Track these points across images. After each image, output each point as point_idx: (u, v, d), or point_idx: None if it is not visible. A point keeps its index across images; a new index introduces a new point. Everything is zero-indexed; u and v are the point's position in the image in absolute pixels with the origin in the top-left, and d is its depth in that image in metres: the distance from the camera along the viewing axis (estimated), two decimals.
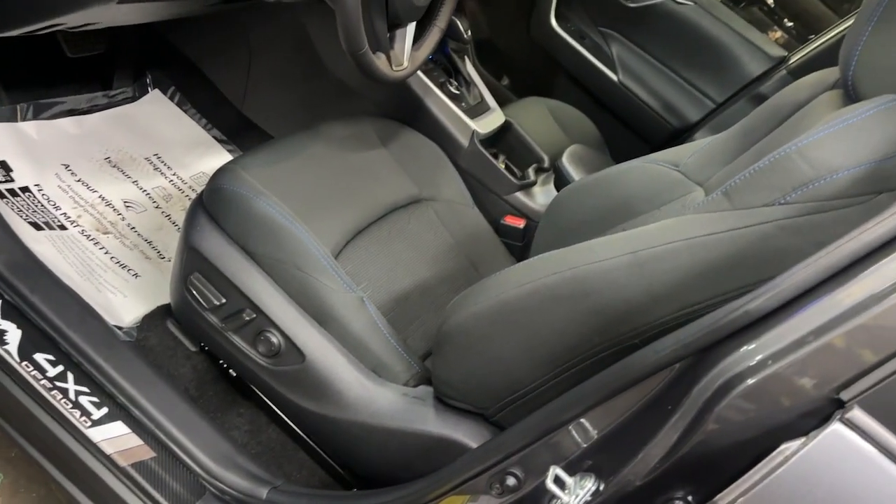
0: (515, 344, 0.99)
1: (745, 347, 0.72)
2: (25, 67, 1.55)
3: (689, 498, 0.72)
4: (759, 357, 0.70)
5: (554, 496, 0.84)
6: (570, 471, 0.85)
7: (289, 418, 1.27)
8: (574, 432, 0.88)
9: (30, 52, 1.53)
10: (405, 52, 1.29)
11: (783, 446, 0.65)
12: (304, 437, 1.29)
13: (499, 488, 0.93)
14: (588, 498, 0.80)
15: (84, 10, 0.99)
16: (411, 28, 1.31)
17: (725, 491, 0.65)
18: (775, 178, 0.83)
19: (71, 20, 1.06)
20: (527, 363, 0.98)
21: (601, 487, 0.78)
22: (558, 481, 0.82)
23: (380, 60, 1.20)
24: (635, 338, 0.90)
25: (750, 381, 0.70)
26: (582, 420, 0.88)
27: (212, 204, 1.17)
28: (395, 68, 1.25)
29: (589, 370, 0.92)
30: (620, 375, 0.83)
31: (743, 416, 0.70)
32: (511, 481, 0.91)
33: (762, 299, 0.72)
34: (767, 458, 0.64)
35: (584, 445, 0.86)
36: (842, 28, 2.07)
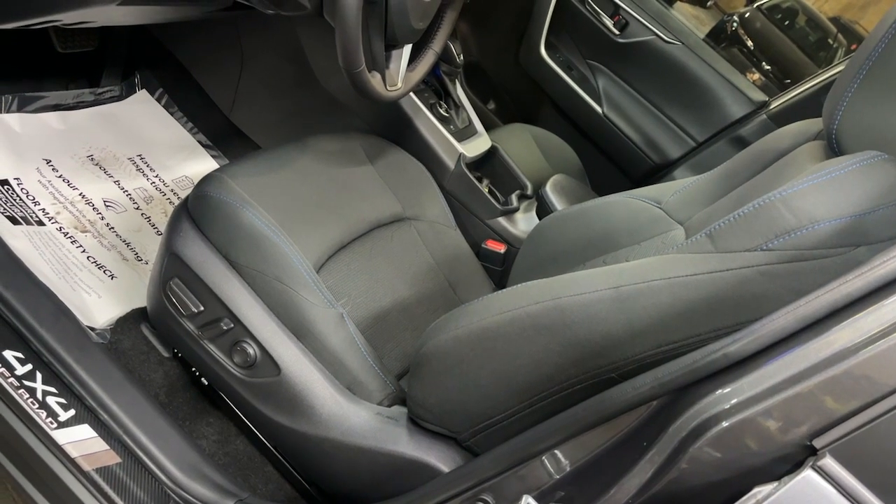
0: (493, 370, 0.99)
1: (721, 390, 0.73)
2: (13, 59, 1.54)
3: None
4: (734, 400, 0.72)
5: None
6: (542, 501, 0.85)
7: (259, 431, 1.26)
8: (547, 462, 0.89)
9: (19, 45, 1.51)
10: (400, 73, 1.30)
11: (756, 490, 0.66)
12: (273, 450, 1.27)
13: None
14: None
15: (84, 8, 0.99)
16: (407, 49, 1.32)
17: None
18: (759, 224, 0.85)
19: (68, 17, 1.06)
20: (503, 390, 0.99)
21: None
22: None
23: (375, 80, 1.21)
24: (613, 371, 0.92)
25: (725, 424, 0.71)
26: (556, 451, 0.89)
27: (197, 210, 1.17)
28: (389, 88, 1.26)
29: (565, 401, 0.93)
30: (597, 409, 0.84)
31: (717, 457, 0.71)
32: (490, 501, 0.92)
33: (741, 343, 0.73)
34: (740, 502, 0.66)
35: (557, 476, 0.87)
36: (820, 79, 2.13)
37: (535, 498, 0.85)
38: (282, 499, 1.27)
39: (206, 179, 1.19)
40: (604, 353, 0.91)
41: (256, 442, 1.29)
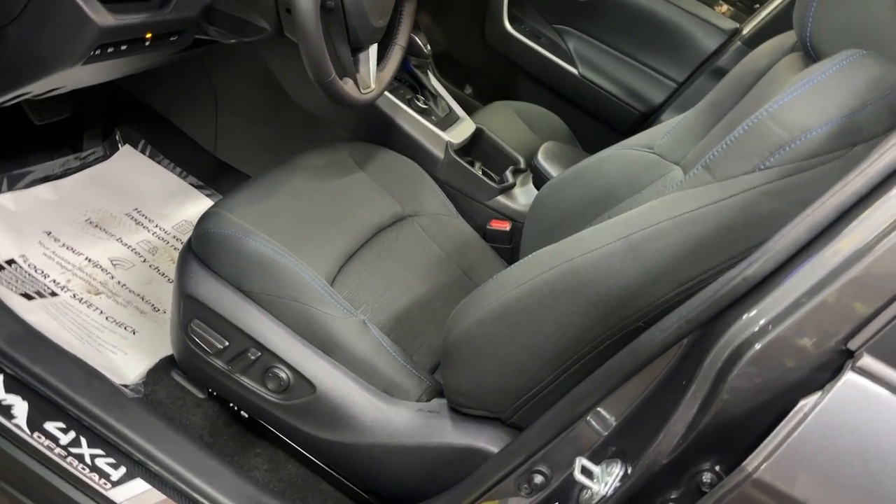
0: (521, 344, 1.00)
1: (747, 314, 0.73)
2: None
3: (717, 468, 0.73)
4: (762, 321, 0.72)
5: (583, 487, 0.85)
6: (596, 459, 0.86)
7: (307, 451, 1.27)
8: (593, 422, 0.89)
9: None
10: (371, 74, 1.30)
11: (801, 403, 0.66)
12: (325, 467, 1.29)
13: (527, 488, 0.94)
14: (617, 483, 0.81)
15: (50, 75, 1.00)
16: (373, 50, 1.32)
17: (752, 455, 0.67)
18: (752, 145, 0.85)
19: (37, 88, 1.07)
20: (535, 361, 1.00)
21: (629, 471, 0.79)
22: (585, 471, 0.83)
23: (348, 86, 1.21)
24: (638, 320, 0.92)
25: (758, 346, 0.71)
26: (599, 409, 0.89)
27: (201, 249, 1.18)
28: (363, 91, 1.27)
29: (598, 359, 0.94)
30: (630, 359, 0.85)
31: (756, 380, 0.71)
32: (538, 479, 0.92)
33: (758, 264, 0.73)
34: (787, 418, 0.66)
35: (606, 433, 0.87)
36: None
37: (588, 458, 0.85)
38: None
39: (205, 217, 1.20)
40: (625, 304, 0.92)
41: (307, 462, 1.30)
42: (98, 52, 1.01)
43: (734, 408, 0.72)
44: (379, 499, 1.28)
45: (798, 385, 0.68)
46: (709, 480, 0.73)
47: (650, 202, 0.98)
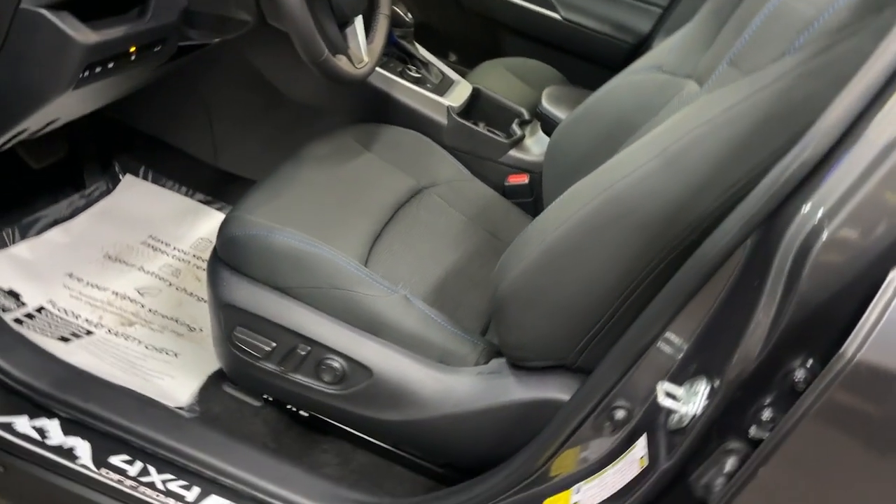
0: (573, 285, 0.97)
1: (811, 200, 0.70)
2: None
3: (808, 363, 0.71)
4: (830, 203, 0.69)
5: (670, 411, 0.83)
6: (677, 381, 0.83)
7: (373, 437, 1.25)
8: (666, 345, 0.87)
9: None
10: (362, 48, 1.27)
11: (891, 275, 0.63)
12: (395, 450, 1.27)
13: (610, 426, 0.92)
14: (705, 401, 0.78)
15: (44, 106, 0.97)
16: (359, 23, 1.29)
17: (849, 339, 0.64)
18: (777, 30, 0.81)
19: (33, 123, 1.04)
20: (591, 300, 0.97)
21: (715, 385, 0.77)
22: (670, 395, 0.81)
23: (342, 62, 1.18)
24: (690, 235, 0.89)
25: (828, 231, 0.68)
26: (668, 333, 0.87)
27: (229, 255, 1.15)
28: (358, 66, 1.24)
29: (656, 283, 0.91)
30: (693, 273, 0.82)
31: (836, 262, 0.68)
32: (620, 414, 0.90)
33: (812, 145, 0.70)
34: (881, 291, 0.63)
35: (682, 353, 0.85)
36: None
37: (669, 381, 0.83)
38: (421, 492, 1.27)
39: (226, 223, 1.17)
40: (674, 222, 0.89)
41: (376, 449, 1.28)
42: (87, 73, 0.99)
43: (816, 296, 0.69)
44: (454, 471, 1.26)
45: (882, 258, 0.65)
46: (803, 378, 0.70)
47: (677, 115, 0.95)
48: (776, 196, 0.72)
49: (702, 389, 0.79)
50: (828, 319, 0.69)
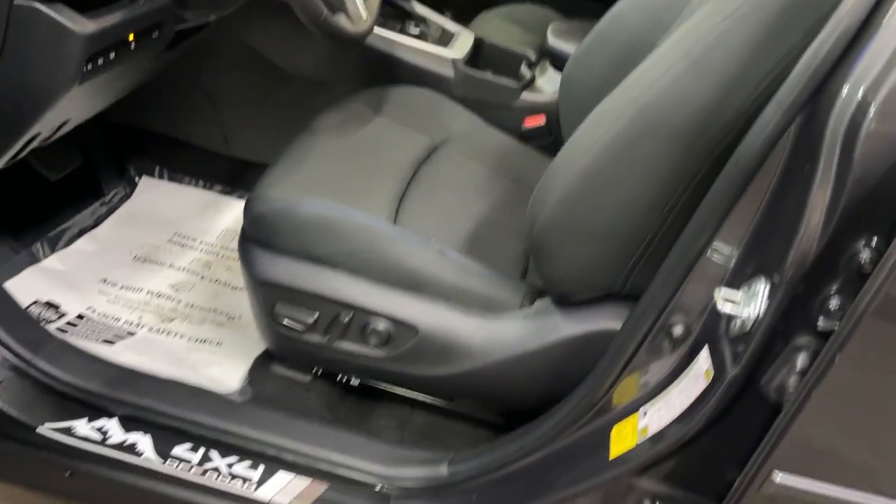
0: (611, 209, 0.95)
1: (853, 74, 0.67)
2: (20, 211, 1.53)
3: (873, 243, 0.68)
4: (874, 72, 0.66)
5: (731, 318, 0.81)
6: (734, 286, 0.81)
7: (428, 394, 1.25)
8: (717, 253, 0.84)
9: (18, 195, 1.51)
10: (359, 4, 1.24)
11: None
12: (451, 406, 1.26)
13: (669, 344, 0.90)
14: (766, 301, 0.76)
15: (53, 106, 0.96)
16: None
17: None
18: None
19: (44, 126, 1.03)
20: (632, 221, 0.95)
21: (775, 282, 0.74)
22: (728, 301, 0.79)
23: (342, 20, 1.15)
24: (726, 137, 0.86)
25: (876, 102, 0.65)
26: (716, 241, 0.84)
27: (258, 233, 1.14)
28: (357, 24, 1.21)
29: (697, 192, 0.88)
30: (737, 173, 0.79)
31: (888, 136, 0.65)
32: (678, 330, 0.88)
33: (847, 19, 0.67)
34: None
35: (735, 256, 0.82)
36: None
37: (726, 287, 0.80)
38: (482, 443, 1.26)
39: (250, 202, 1.16)
40: (708, 125, 0.86)
41: (432, 407, 1.27)
42: (90, 66, 0.97)
43: (873, 171, 0.66)
44: (513, 419, 1.25)
45: None
46: (868, 258, 0.68)
47: (694, 15, 0.91)
48: (816, 76, 0.69)
49: (761, 289, 0.76)
50: (888, 194, 0.66)
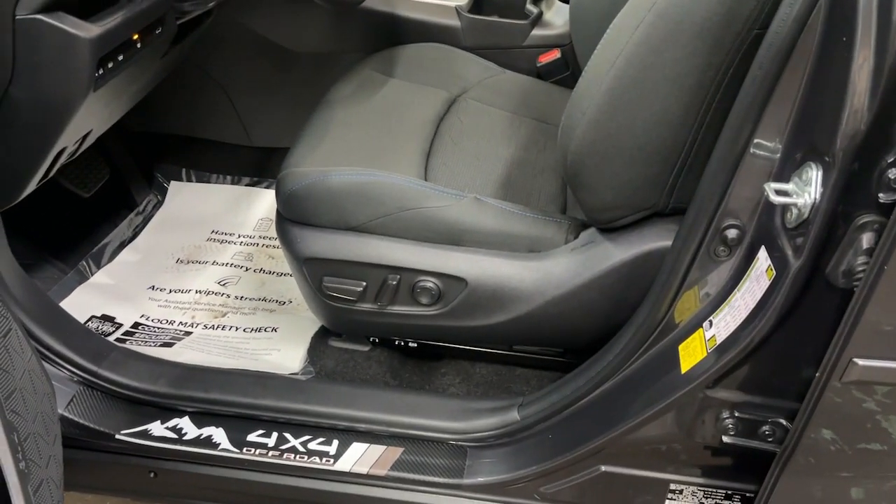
0: (644, 122, 0.92)
1: None
2: (60, 232, 1.56)
3: None
4: None
5: (785, 209, 0.78)
6: (784, 178, 0.78)
7: (486, 345, 1.24)
8: (760, 149, 0.81)
9: (55, 217, 1.54)
10: None
11: None
12: (511, 353, 1.26)
13: (724, 249, 0.87)
14: (820, 186, 0.73)
15: (72, 116, 0.96)
16: None
17: None
18: None
19: (68, 139, 1.04)
20: (667, 131, 0.92)
21: (828, 162, 0.71)
22: (780, 193, 0.76)
23: None
24: (753, 27, 0.82)
25: None
26: (758, 135, 0.81)
27: (292, 211, 1.14)
28: None
29: (729, 90, 0.85)
30: (771, 55, 0.76)
31: None
32: (732, 233, 0.86)
33: None
34: None
35: (780, 148, 0.79)
36: None
37: (775, 180, 0.77)
38: (548, 383, 1.25)
39: (281, 182, 1.16)
40: (732, 15, 0.82)
41: (493, 357, 1.27)
42: (101, 71, 0.97)
43: None
44: (575, 355, 1.24)
45: None
46: None
47: None
48: None
49: (814, 175, 0.73)
50: None
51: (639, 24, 0.86)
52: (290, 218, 1.15)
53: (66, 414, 1.12)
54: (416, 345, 1.29)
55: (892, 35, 0.63)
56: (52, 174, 1.10)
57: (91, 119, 1.08)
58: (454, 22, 1.52)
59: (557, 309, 1.08)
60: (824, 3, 0.70)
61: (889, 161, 0.68)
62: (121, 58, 1.01)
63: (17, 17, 0.85)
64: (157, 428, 1.15)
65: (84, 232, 1.58)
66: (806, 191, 0.74)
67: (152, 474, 1.15)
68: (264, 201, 1.77)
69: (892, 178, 0.67)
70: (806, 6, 0.71)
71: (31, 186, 1.05)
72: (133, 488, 1.20)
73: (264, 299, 1.51)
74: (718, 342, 0.86)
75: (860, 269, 0.72)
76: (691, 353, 0.90)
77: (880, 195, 0.69)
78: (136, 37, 1.04)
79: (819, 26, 0.71)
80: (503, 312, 1.10)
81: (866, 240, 0.71)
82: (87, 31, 0.91)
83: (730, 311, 0.87)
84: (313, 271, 1.14)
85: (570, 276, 1.06)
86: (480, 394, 1.25)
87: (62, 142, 1.01)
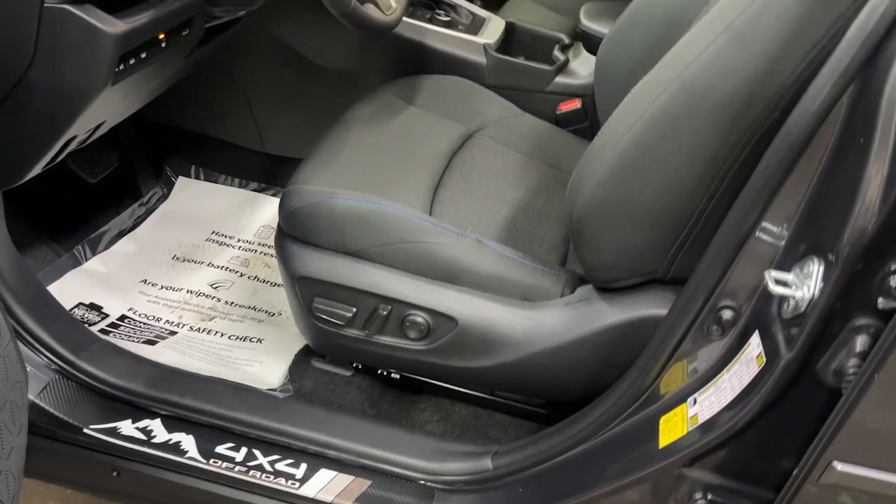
0: (655, 188, 0.91)
1: None
2: (61, 214, 1.56)
3: None
4: None
5: (783, 299, 0.77)
6: (785, 267, 0.77)
7: (469, 387, 1.23)
8: (766, 232, 0.81)
9: (58, 199, 1.53)
10: None
11: None
12: (493, 397, 1.24)
13: (718, 329, 0.86)
14: (821, 281, 0.72)
15: (87, 107, 0.96)
16: None
17: None
18: None
19: (80, 128, 1.03)
20: (676, 201, 0.91)
21: (831, 259, 0.70)
22: (780, 283, 0.75)
23: (370, 10, 1.14)
24: (773, 112, 0.82)
25: None
26: (764, 221, 0.81)
27: (294, 228, 1.13)
28: (386, 13, 1.19)
29: (743, 170, 0.85)
30: (786, 147, 0.76)
31: None
32: (727, 314, 0.85)
33: None
34: None
35: (786, 237, 0.78)
36: None
37: (776, 269, 0.77)
38: (526, 435, 1.24)
39: (286, 197, 1.15)
40: (753, 99, 0.82)
41: (474, 399, 1.26)
42: (122, 66, 0.97)
43: None
44: (557, 409, 1.23)
45: None
46: None
47: None
48: (869, 41, 0.65)
49: (815, 269, 0.73)
50: None
51: (661, 93, 0.86)
52: (290, 234, 1.15)
53: (37, 401, 1.11)
54: (398, 376, 1.28)
55: None
56: (59, 160, 1.09)
57: (106, 111, 1.08)
58: (480, 59, 1.53)
59: (545, 361, 1.07)
60: (846, 102, 0.70)
61: (893, 268, 0.67)
62: (144, 55, 1.01)
63: (46, 5, 0.85)
64: (127, 427, 1.13)
65: (84, 217, 1.58)
66: (806, 284, 0.73)
67: (115, 473, 1.14)
68: (269, 209, 1.76)
69: (894, 285, 0.67)
70: (828, 102, 0.71)
71: (37, 170, 1.04)
72: (94, 484, 1.18)
73: (254, 308, 1.50)
74: (700, 421, 0.85)
75: (851, 371, 0.71)
76: (672, 428, 0.89)
77: (880, 300, 0.68)
78: (161, 36, 1.04)
79: (838, 123, 0.71)
80: (490, 357, 1.09)
81: (860, 342, 0.70)
82: (114, 26, 0.91)
83: (716, 391, 0.86)
84: (306, 290, 1.13)
85: (562, 330, 1.05)
86: (457, 435, 1.24)
87: (73, 130, 1.00)
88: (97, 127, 1.12)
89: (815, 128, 0.72)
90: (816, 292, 0.72)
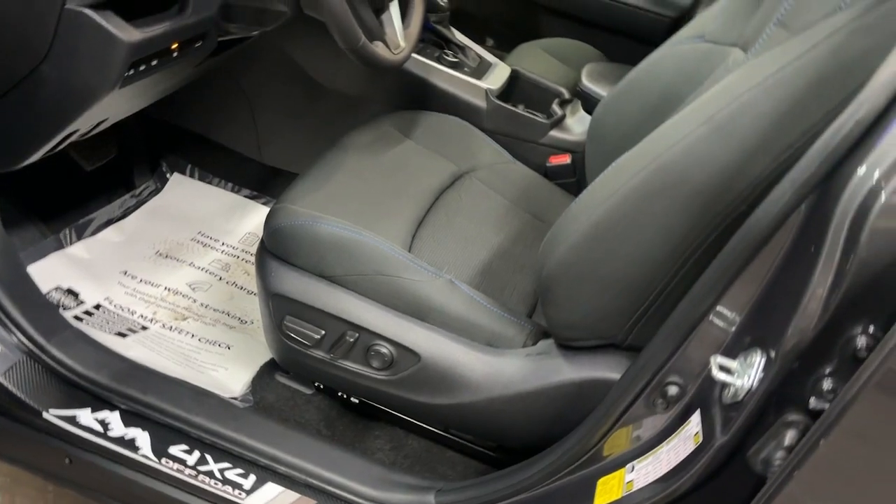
0: (622, 260, 0.95)
1: (866, 162, 0.68)
2: (52, 196, 1.58)
3: (870, 329, 0.68)
4: (889, 163, 0.66)
5: (725, 385, 0.81)
6: (731, 354, 0.81)
7: (424, 422, 1.26)
8: (719, 318, 0.84)
9: (52, 181, 1.55)
10: (398, 34, 1.27)
11: None
12: (446, 434, 1.27)
13: (662, 403, 0.90)
14: (761, 373, 0.76)
15: (93, 106, 0.99)
16: (395, 9, 1.29)
17: None
18: None
19: (83, 123, 1.07)
20: (641, 274, 0.95)
21: (772, 355, 0.74)
22: (724, 369, 0.79)
23: (379, 48, 1.18)
24: (741, 204, 0.87)
25: (887, 190, 0.66)
26: (719, 307, 0.84)
27: (276, 246, 1.17)
28: (395, 52, 1.23)
29: (707, 255, 0.89)
30: (745, 243, 0.79)
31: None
32: (673, 390, 0.88)
33: (868, 103, 0.68)
34: None
35: (736, 325, 0.82)
36: None
37: (724, 355, 0.81)
38: (473, 475, 1.26)
39: (272, 214, 1.18)
40: (726, 189, 0.86)
41: (428, 433, 1.28)
42: (132, 71, 1.01)
43: (876, 260, 0.66)
44: (507, 453, 1.25)
45: None
46: (864, 345, 0.68)
47: (723, 80, 0.92)
48: (831, 158, 0.70)
49: (757, 361, 0.76)
50: (889, 284, 0.66)
51: (640, 171, 0.90)
52: (272, 251, 1.18)
53: (1, 379, 1.13)
54: (357, 401, 1.30)
55: (855, 259, 0.67)
56: (58, 150, 1.12)
57: (110, 109, 1.11)
58: (481, 103, 1.57)
59: (500, 407, 1.10)
60: (804, 209, 0.74)
61: (826, 372, 0.71)
62: (154, 63, 1.05)
63: (66, 7, 0.89)
64: (85, 416, 1.15)
65: (75, 202, 1.60)
66: (747, 373, 0.77)
67: (68, 460, 1.16)
68: (257, 216, 1.79)
69: (825, 388, 0.70)
70: (789, 206, 0.75)
71: (35, 158, 1.07)
72: (46, 469, 1.20)
73: (228, 313, 1.53)
74: (635, 488, 0.88)
75: (777, 462, 0.74)
76: (608, 491, 0.92)
77: (812, 399, 0.72)
78: (174, 46, 1.08)
79: (795, 227, 0.75)
80: (447, 396, 1.12)
81: (789, 437, 0.74)
82: (129, 34, 0.95)
83: (653, 461, 0.89)
84: (278, 307, 1.16)
85: (519, 379, 1.09)
86: (407, 466, 1.26)
87: (76, 125, 1.04)
88: (99, 123, 1.15)
89: (774, 229, 0.76)
90: (756, 383, 0.76)
